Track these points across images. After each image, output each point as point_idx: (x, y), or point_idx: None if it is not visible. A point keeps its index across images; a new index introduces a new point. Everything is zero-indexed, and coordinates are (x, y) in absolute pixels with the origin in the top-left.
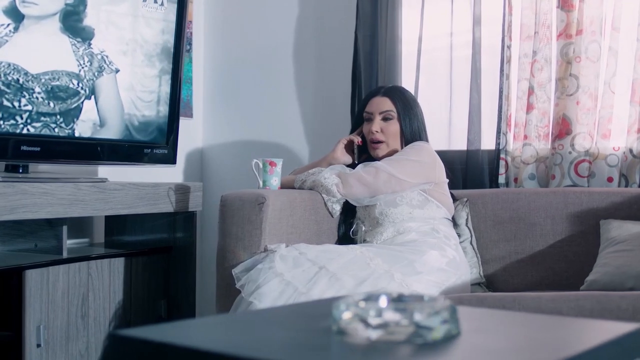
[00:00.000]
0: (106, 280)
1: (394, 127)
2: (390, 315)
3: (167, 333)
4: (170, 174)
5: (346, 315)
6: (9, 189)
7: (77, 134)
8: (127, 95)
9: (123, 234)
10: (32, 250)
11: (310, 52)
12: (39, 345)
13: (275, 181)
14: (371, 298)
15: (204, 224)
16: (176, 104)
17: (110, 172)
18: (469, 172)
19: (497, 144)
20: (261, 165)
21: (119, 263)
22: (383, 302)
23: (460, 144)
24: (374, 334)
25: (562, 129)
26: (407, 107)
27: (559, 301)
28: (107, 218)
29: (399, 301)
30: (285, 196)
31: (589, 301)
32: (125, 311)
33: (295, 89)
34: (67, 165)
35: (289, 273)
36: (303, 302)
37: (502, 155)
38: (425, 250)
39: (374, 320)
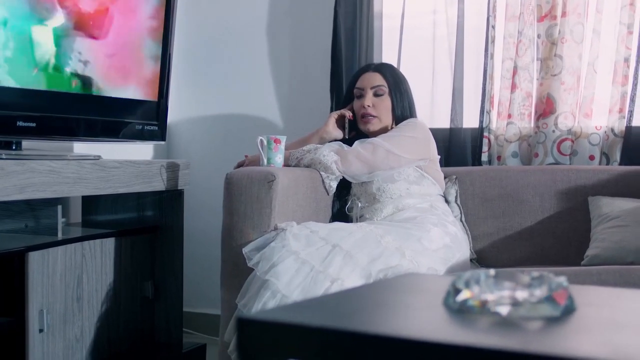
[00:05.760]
0: (98, 262)
1: (386, 102)
2: (514, 292)
3: (288, 314)
4: (138, 151)
5: (467, 293)
6: (19, 167)
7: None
8: None
9: (101, 213)
10: (22, 231)
11: (285, 28)
12: (41, 331)
13: (279, 158)
14: (477, 276)
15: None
16: (166, 81)
17: (84, 148)
18: (452, 149)
19: (481, 122)
20: (265, 143)
21: (110, 243)
22: (493, 279)
23: (442, 122)
24: (504, 310)
25: (547, 108)
26: (397, 83)
27: (581, 275)
28: (84, 196)
29: (505, 278)
30: (291, 174)
31: (611, 275)
32: (116, 293)
33: (270, 66)
34: (54, 141)
35: (304, 251)
36: (389, 278)
37: (486, 134)
38: (429, 227)
39: (500, 297)
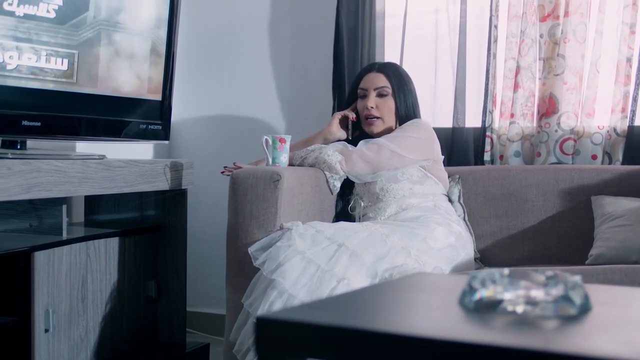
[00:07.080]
0: (102, 261)
1: (389, 103)
2: (529, 292)
3: (306, 313)
4: (138, 151)
5: (485, 292)
6: (25, 166)
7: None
8: None
9: (104, 212)
10: (27, 231)
11: (288, 27)
12: (47, 330)
13: (284, 158)
14: (492, 275)
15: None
16: (169, 80)
17: (86, 147)
18: (454, 149)
19: (483, 121)
20: (271, 142)
21: (114, 243)
22: (508, 278)
23: (444, 122)
24: (520, 308)
25: (549, 107)
26: (401, 83)
27: (587, 274)
28: (87, 196)
29: (520, 278)
30: (296, 173)
31: (617, 274)
32: (120, 293)
33: (272, 65)
34: (57, 141)
35: (310, 251)
36: (398, 277)
37: (488, 133)
38: (433, 226)
39: (516, 296)
